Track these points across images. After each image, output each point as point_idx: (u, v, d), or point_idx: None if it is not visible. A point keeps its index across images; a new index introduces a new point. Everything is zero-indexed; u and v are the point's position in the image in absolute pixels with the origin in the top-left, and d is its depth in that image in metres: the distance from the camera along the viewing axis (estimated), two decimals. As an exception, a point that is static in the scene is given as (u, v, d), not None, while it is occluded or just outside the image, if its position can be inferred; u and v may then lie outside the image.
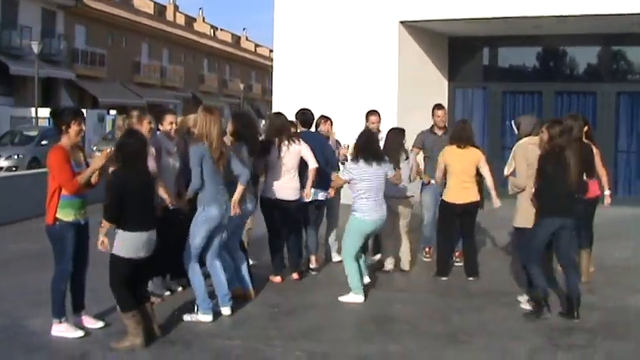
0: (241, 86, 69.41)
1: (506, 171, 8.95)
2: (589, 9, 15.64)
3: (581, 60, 19.89)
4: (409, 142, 10.79)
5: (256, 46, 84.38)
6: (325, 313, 8.46)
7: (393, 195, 9.89)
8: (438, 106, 11.40)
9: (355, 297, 8.90)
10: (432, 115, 11.31)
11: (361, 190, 8.89)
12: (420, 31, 18.22)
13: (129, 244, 7.04)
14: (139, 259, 7.13)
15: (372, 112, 11.20)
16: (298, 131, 10.19)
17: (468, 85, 20.15)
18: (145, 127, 8.20)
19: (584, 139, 9.54)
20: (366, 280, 9.43)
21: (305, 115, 10.49)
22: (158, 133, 8.76)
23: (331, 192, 10.03)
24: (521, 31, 18.30)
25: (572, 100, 19.15)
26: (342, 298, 8.90)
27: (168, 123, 8.72)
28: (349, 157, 9.58)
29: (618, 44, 18.99)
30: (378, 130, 10.86)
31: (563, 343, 7.45)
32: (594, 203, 9.82)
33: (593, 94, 18.82)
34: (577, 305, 8.13)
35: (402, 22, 17.61)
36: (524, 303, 8.62)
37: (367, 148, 9.06)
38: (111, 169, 7.19)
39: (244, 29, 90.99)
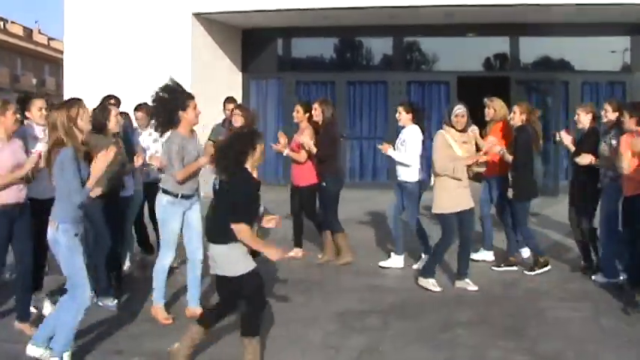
0: (34, 81, 66.82)
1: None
2: (378, 1, 16.14)
3: (375, 51, 20.52)
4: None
5: (49, 39, 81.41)
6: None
7: None
8: (229, 100, 11.39)
9: None
10: (224, 108, 11.29)
11: None
12: (213, 23, 18.16)
13: None
14: None
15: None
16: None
17: (262, 77, 20.33)
18: (9, 119, 7.47)
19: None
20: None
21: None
22: (26, 121, 8.13)
23: None
24: (315, 23, 18.58)
25: (364, 89, 19.70)
26: None
27: (38, 109, 8.07)
28: None
29: (410, 35, 19.69)
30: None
31: (356, 326, 7.65)
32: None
33: (385, 83, 19.41)
34: None
35: (195, 14, 17.48)
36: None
37: None
38: None
39: (36, 22, 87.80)
